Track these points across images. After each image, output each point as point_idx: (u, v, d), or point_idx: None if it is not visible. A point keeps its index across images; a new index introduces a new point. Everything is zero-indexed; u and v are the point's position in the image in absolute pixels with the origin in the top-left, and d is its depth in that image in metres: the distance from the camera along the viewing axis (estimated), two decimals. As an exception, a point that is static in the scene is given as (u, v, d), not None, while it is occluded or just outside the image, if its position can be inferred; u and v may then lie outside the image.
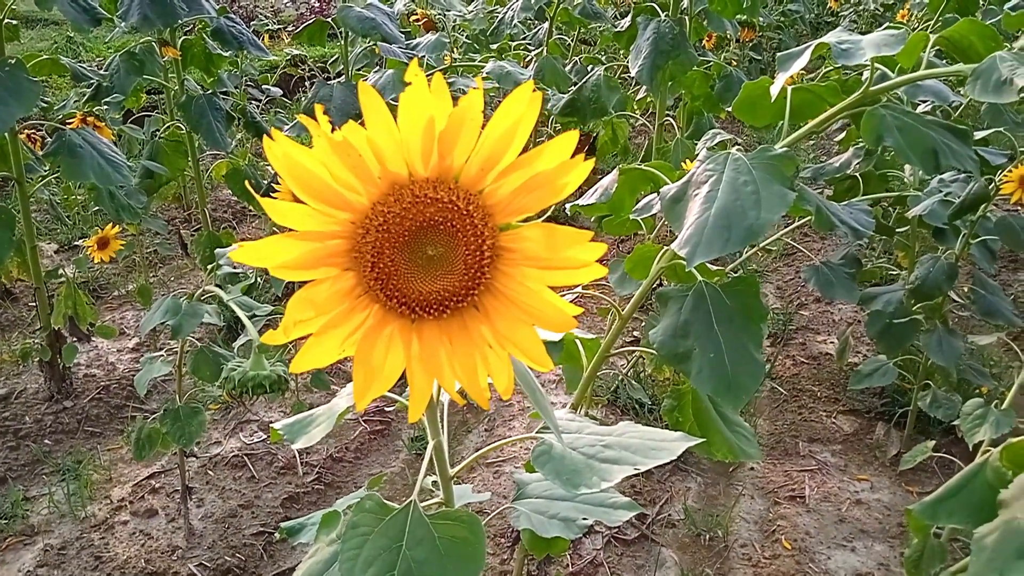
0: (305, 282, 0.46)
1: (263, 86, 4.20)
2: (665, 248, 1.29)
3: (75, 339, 2.11)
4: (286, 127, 2.82)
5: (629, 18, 2.61)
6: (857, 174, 2.03)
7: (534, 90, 0.45)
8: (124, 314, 2.81)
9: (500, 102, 0.44)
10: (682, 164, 2.34)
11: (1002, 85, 0.94)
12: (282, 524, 0.87)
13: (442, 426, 0.69)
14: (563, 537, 0.90)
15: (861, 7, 6.65)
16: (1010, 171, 1.69)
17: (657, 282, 1.32)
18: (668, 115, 2.73)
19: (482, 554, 0.57)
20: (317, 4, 7.21)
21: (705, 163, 1.10)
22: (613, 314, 1.54)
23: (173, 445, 1.61)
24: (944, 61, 1.52)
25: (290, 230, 0.46)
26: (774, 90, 1.16)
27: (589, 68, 3.38)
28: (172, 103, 2.84)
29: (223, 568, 1.71)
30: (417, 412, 0.48)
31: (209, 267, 1.48)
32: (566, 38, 3.49)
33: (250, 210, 3.74)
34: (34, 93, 1.79)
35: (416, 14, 3.06)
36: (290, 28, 5.57)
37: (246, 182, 2.62)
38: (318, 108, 0.45)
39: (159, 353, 1.61)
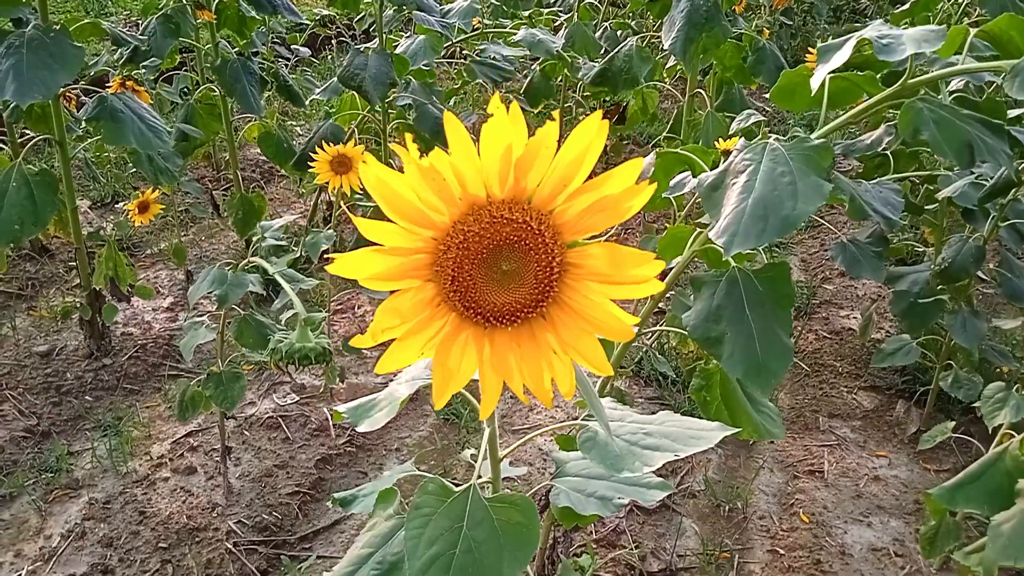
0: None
1: (292, 46, 4.20)
2: (698, 231, 1.32)
3: (116, 299, 2.17)
4: (317, 89, 2.84)
5: (661, -12, 2.59)
6: (888, 152, 2.04)
7: (602, 118, 0.48)
8: (158, 273, 2.87)
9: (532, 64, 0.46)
10: (714, 143, 2.35)
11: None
12: (335, 495, 0.92)
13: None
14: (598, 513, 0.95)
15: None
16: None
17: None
18: (698, 86, 2.72)
19: (536, 537, 0.61)
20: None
21: (743, 152, 1.13)
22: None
23: (214, 407, 1.67)
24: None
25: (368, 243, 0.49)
26: (814, 83, 1.17)
27: (618, 33, 3.37)
28: (204, 65, 2.87)
29: (261, 525, 1.79)
30: (488, 410, 0.52)
31: (249, 235, 1.52)
32: (596, 1, 3.47)
33: (277, 170, 3.78)
34: (79, 59, 1.83)
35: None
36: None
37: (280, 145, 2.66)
38: (408, 136, 0.48)
39: (201, 318, 1.66)
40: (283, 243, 1.47)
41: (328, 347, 1.18)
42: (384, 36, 2.25)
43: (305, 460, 2.00)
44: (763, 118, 1.62)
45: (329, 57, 5.17)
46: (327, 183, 1.95)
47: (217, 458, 1.98)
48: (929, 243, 2.29)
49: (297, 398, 2.23)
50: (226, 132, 2.69)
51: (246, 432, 2.10)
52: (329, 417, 2.14)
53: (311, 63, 4.64)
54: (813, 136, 1.15)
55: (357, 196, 2.10)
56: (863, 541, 1.74)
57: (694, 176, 1.50)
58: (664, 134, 2.84)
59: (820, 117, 1.22)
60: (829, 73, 1.16)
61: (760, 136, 1.41)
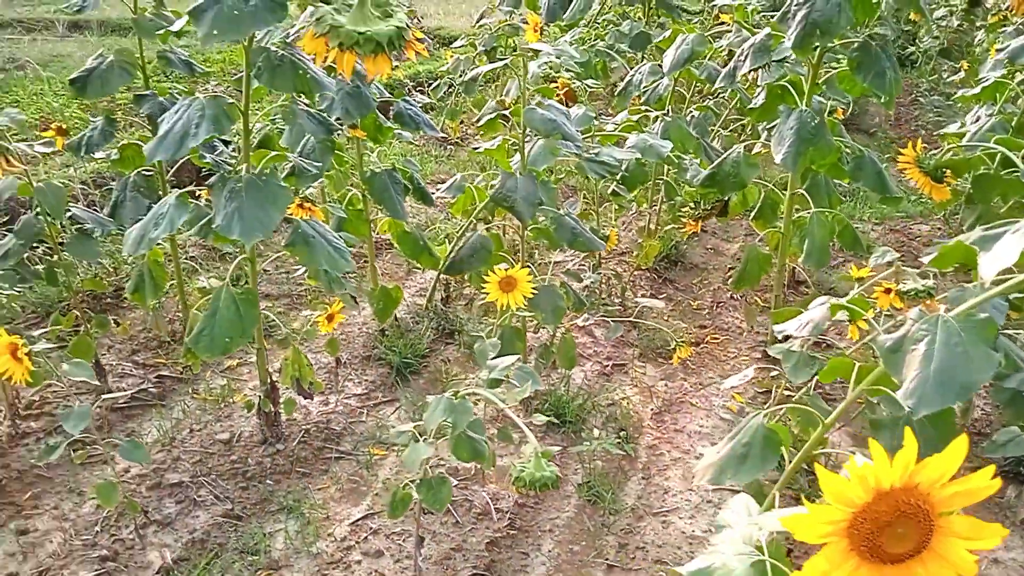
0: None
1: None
2: (866, 368, 1.57)
3: (301, 396, 2.45)
4: (442, 188, 3.13)
5: (763, 95, 2.85)
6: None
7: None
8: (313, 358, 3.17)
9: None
10: (823, 246, 2.61)
11: None
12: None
13: None
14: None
15: (944, 23, 6.72)
16: None
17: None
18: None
19: None
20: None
21: (919, 323, 1.38)
22: (778, 395, 1.82)
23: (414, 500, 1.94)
24: None
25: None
26: (984, 273, 1.41)
27: (702, 116, 3.64)
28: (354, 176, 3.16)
29: (454, 606, 2.05)
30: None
31: (483, 371, 1.77)
32: (683, 90, 3.74)
33: (386, 247, 4.08)
34: (287, 198, 2.12)
35: (556, 82, 3.34)
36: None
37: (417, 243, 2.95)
38: (850, 461, 0.74)
39: (406, 428, 1.92)
40: (502, 377, 1.73)
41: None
42: (526, 159, 2.53)
43: (476, 543, 2.26)
44: (897, 254, 1.86)
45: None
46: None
47: (399, 541, 2.25)
48: None
49: (456, 482, 2.49)
50: (368, 233, 2.99)
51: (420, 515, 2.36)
52: (489, 501, 2.40)
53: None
54: (975, 306, 1.40)
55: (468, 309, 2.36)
56: (989, 620, 1.96)
57: (852, 321, 1.76)
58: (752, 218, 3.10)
59: (978, 288, 1.47)
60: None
61: (911, 285, 1.66)
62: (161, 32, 2.32)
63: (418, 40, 1.72)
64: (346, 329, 3.35)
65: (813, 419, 1.91)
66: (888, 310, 1.93)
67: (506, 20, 5.65)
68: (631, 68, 4.69)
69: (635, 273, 3.78)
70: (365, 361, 3.14)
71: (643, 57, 5.48)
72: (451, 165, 5.56)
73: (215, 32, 1.73)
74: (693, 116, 3.59)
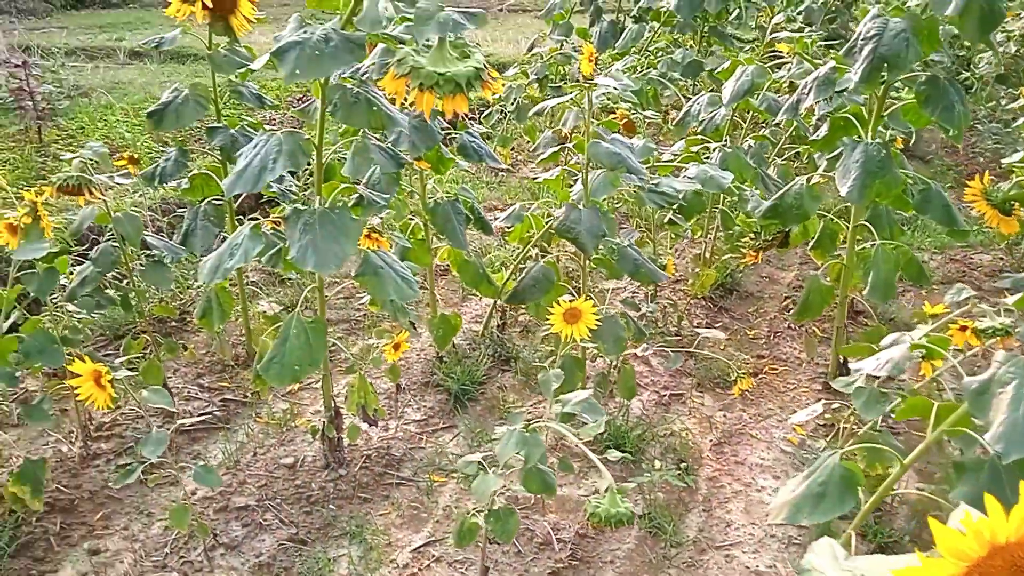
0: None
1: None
2: (947, 407, 1.55)
3: (367, 424, 2.49)
4: (501, 217, 3.16)
5: (825, 127, 2.85)
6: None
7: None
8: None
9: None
10: (888, 278, 2.58)
11: None
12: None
13: None
14: None
15: (1001, 48, 6.60)
16: None
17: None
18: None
19: None
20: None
21: (1006, 366, 1.36)
22: (846, 432, 1.80)
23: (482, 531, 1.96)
24: None
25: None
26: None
27: (758, 145, 3.63)
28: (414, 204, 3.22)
29: (519, 637, 2.05)
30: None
31: (554, 404, 1.79)
32: (739, 119, 3.74)
33: (440, 273, 4.14)
34: (359, 231, 2.16)
35: (615, 113, 3.37)
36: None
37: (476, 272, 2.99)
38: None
39: (474, 456, 1.95)
40: (574, 412, 1.75)
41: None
42: (589, 191, 2.55)
43: (538, 573, 2.26)
44: (974, 293, 1.84)
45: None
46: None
47: (461, 570, 2.26)
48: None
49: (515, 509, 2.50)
50: (430, 262, 3.03)
51: (480, 544, 2.37)
52: (551, 531, 2.40)
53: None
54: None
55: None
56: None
57: (926, 358, 1.75)
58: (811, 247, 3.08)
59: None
60: None
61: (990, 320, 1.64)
62: (243, 70, 2.40)
63: (493, 79, 1.76)
64: (404, 355, 3.39)
65: (883, 455, 1.90)
66: (962, 347, 1.91)
67: (557, 48, 5.72)
68: (682, 96, 4.71)
69: (690, 302, 3.77)
70: (423, 387, 3.17)
71: (694, 85, 5.50)
72: (502, 192, 5.61)
73: (297, 71, 1.79)
74: (750, 146, 3.58)
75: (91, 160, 2.36)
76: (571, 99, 2.40)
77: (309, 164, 2.35)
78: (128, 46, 10.43)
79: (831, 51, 3.55)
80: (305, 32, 1.84)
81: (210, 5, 2.37)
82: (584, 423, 1.75)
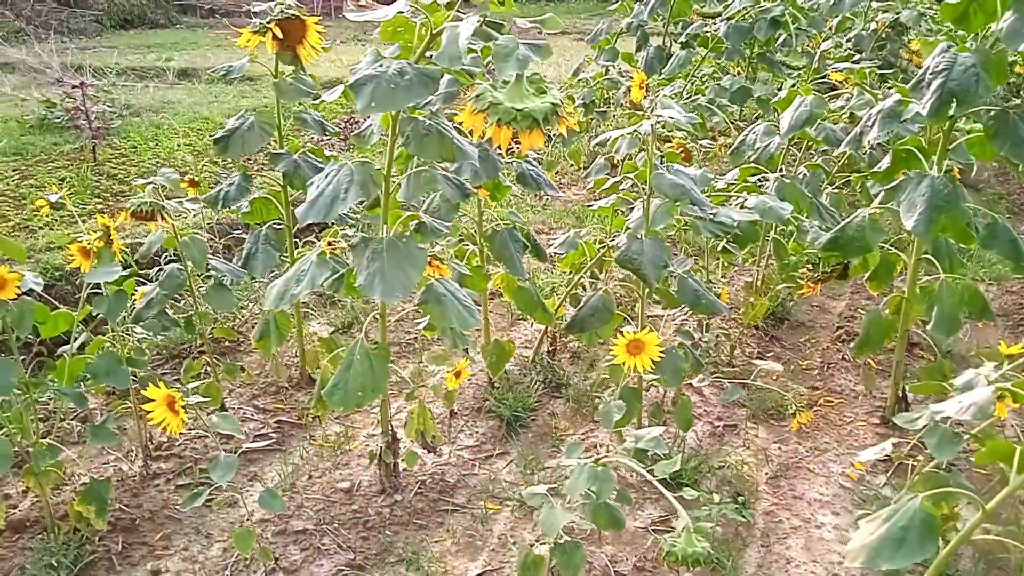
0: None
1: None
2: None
3: (425, 450, 2.50)
4: (554, 244, 3.17)
5: (887, 159, 2.82)
6: None
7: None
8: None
9: None
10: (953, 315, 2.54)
11: None
12: None
13: None
14: None
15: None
16: None
17: None
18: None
19: None
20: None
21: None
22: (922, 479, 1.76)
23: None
24: None
25: None
26: None
27: (813, 174, 3.60)
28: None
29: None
30: None
31: (622, 438, 1.78)
32: (794, 148, 3.72)
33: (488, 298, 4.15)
34: (424, 259, 2.19)
35: (671, 142, 3.37)
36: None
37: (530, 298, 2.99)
38: None
39: (541, 489, 1.94)
40: (645, 448, 1.74)
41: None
42: (650, 222, 2.55)
43: (597, 606, 2.25)
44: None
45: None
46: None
47: (520, 601, 2.25)
48: None
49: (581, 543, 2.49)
50: (485, 288, 3.04)
51: (538, 575, 2.36)
52: (608, 564, 2.38)
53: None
54: None
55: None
56: None
57: (1003, 398, 1.72)
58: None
59: None
60: None
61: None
62: (318, 101, 2.44)
63: (568, 114, 1.77)
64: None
65: (952, 494, 1.86)
66: None
67: (603, 73, 5.74)
68: (729, 122, 4.71)
69: (743, 331, 3.75)
70: (475, 413, 3.18)
71: (741, 111, 5.48)
72: (546, 215, 5.63)
73: (373, 104, 1.82)
74: (803, 174, 3.56)
75: (163, 187, 2.41)
76: (634, 131, 2.40)
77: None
78: (176, 66, 10.66)
79: (886, 81, 3.53)
80: (380, 66, 1.87)
81: (281, 37, 2.43)
82: (651, 454, 1.75)
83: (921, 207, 2.44)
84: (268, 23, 2.44)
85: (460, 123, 1.78)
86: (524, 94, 1.70)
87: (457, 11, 1.87)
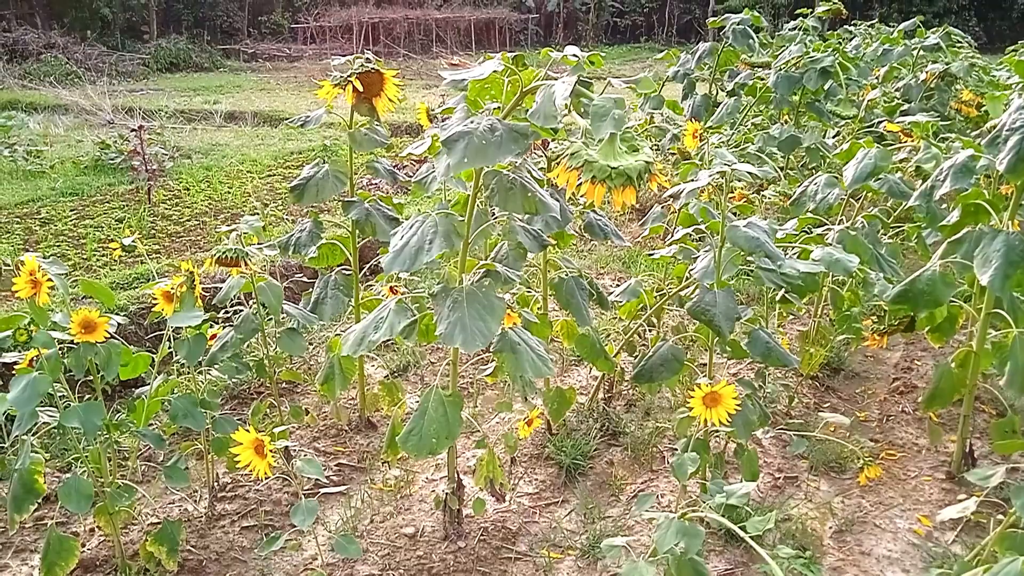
0: None
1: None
2: None
3: (495, 498, 2.51)
4: (616, 291, 3.19)
5: (956, 213, 2.82)
6: None
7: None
8: (475, 451, 3.24)
9: None
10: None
11: None
12: None
13: None
14: None
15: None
16: None
17: None
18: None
19: None
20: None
21: None
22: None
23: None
24: None
25: None
26: None
27: (871, 224, 3.60)
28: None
29: None
30: None
31: (717, 495, 1.78)
32: (852, 199, 3.72)
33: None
34: (503, 308, 2.21)
35: (734, 194, 3.40)
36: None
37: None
38: None
39: (615, 540, 1.94)
40: (739, 504, 1.74)
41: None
42: (721, 272, 2.56)
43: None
44: None
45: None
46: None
47: (592, 655, 2.24)
48: None
49: (642, 594, 2.47)
50: (548, 335, 3.06)
51: (608, 628, 2.34)
52: (680, 618, 2.36)
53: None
54: None
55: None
56: None
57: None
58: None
59: None
60: None
61: None
62: (404, 154, 2.50)
63: (659, 171, 1.81)
64: (514, 427, 3.41)
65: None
66: None
67: (648, 121, 5.80)
68: (778, 171, 4.72)
69: (800, 382, 3.73)
70: (534, 460, 3.18)
71: (788, 160, 5.50)
72: (592, 260, 5.67)
73: (465, 160, 1.87)
74: (862, 225, 3.56)
75: (247, 235, 2.47)
76: (708, 182, 2.43)
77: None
78: (223, 109, 10.94)
79: (950, 136, 3.53)
80: (472, 122, 1.92)
81: (360, 89, 2.50)
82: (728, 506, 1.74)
83: (996, 262, 2.43)
84: (349, 76, 2.51)
85: (552, 178, 1.82)
86: (618, 152, 1.74)
87: (548, 71, 1.92)
